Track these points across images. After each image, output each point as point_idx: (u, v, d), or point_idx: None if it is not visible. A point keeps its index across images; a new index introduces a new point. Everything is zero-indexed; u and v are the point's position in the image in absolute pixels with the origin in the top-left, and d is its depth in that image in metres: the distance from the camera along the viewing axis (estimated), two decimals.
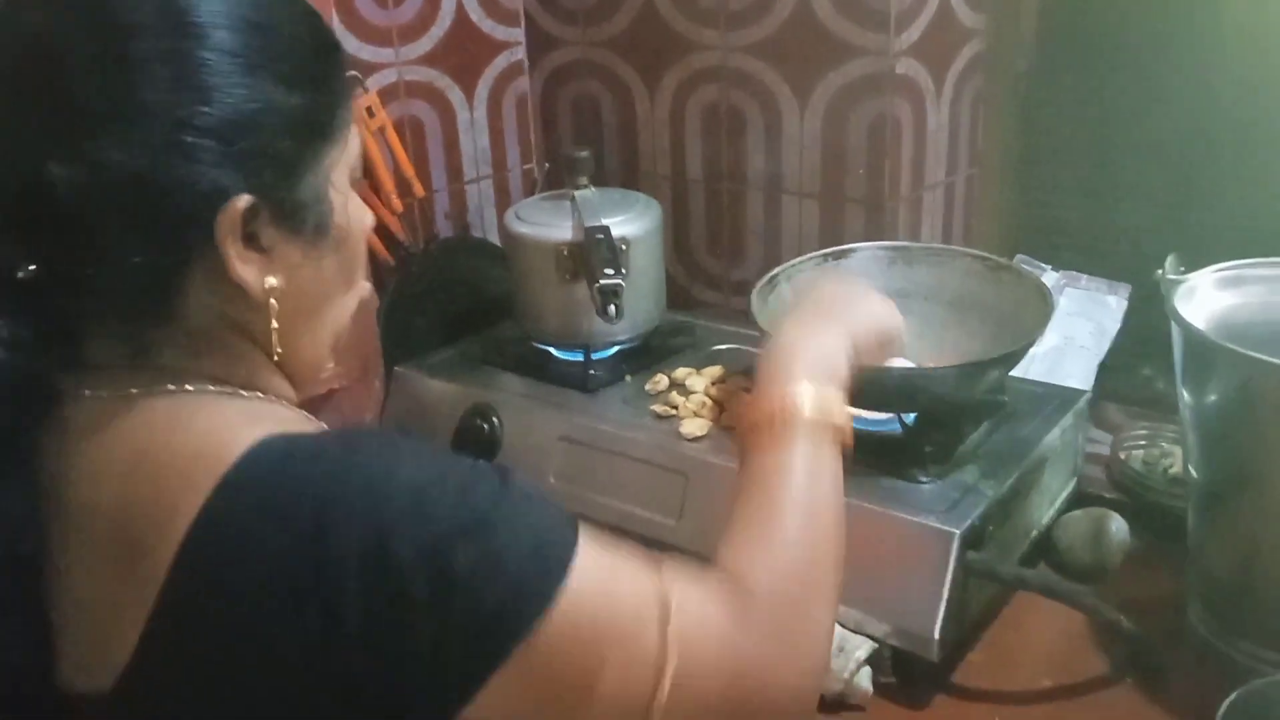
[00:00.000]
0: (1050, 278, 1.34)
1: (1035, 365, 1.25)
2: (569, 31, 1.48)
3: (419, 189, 1.37)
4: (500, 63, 1.49)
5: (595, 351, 1.21)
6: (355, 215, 0.65)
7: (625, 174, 1.48)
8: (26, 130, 0.52)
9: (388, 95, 1.35)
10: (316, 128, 0.59)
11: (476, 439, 1.14)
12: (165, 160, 0.53)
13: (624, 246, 1.15)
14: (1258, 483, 0.90)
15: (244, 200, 0.55)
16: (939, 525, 0.88)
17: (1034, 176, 1.45)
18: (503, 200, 1.52)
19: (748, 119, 1.35)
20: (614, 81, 1.46)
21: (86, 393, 0.57)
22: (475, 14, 1.44)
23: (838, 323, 0.79)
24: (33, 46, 0.53)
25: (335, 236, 0.62)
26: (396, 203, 1.33)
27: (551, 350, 1.24)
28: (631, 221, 1.18)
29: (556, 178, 1.31)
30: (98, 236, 0.53)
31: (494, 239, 1.48)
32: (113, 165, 0.52)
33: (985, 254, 1.12)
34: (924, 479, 0.94)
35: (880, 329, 0.83)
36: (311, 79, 0.59)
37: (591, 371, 1.19)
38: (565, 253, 1.16)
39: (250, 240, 0.56)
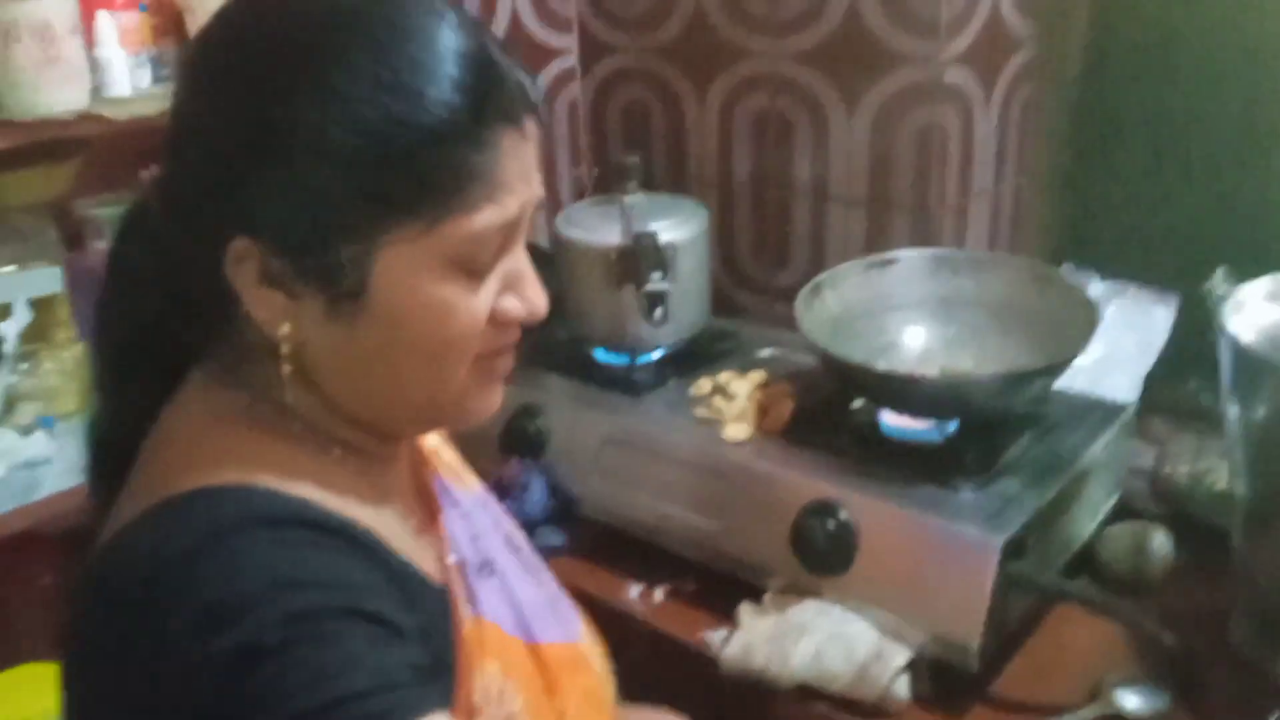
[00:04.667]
0: (1097, 288, 1.33)
1: (1080, 376, 1.24)
2: (620, 38, 1.50)
3: None
4: (553, 69, 1.51)
5: (641, 355, 1.23)
6: (433, 303, 0.58)
7: (673, 179, 1.50)
8: None
9: None
10: (373, 194, 0.55)
11: (523, 438, 1.17)
12: (190, 187, 0.58)
13: (671, 251, 1.17)
14: None
15: (241, 242, 0.56)
16: (981, 534, 0.88)
17: (1082, 185, 1.44)
18: (552, 204, 1.54)
19: (796, 126, 1.36)
20: (664, 88, 1.48)
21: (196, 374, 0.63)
22: (530, 21, 1.46)
23: None
24: None
25: (376, 311, 0.57)
26: None
27: (598, 353, 1.26)
28: (678, 227, 1.20)
29: (605, 182, 1.32)
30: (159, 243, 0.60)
31: (544, 242, 1.50)
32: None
33: (1031, 262, 1.12)
34: (965, 488, 0.95)
35: None
36: (388, 135, 0.54)
37: (636, 375, 1.20)
38: (613, 257, 1.18)
39: (271, 280, 0.57)
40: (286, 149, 0.54)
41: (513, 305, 0.62)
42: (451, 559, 0.70)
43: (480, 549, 0.73)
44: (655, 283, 1.11)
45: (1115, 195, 1.42)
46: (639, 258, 1.14)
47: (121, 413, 0.64)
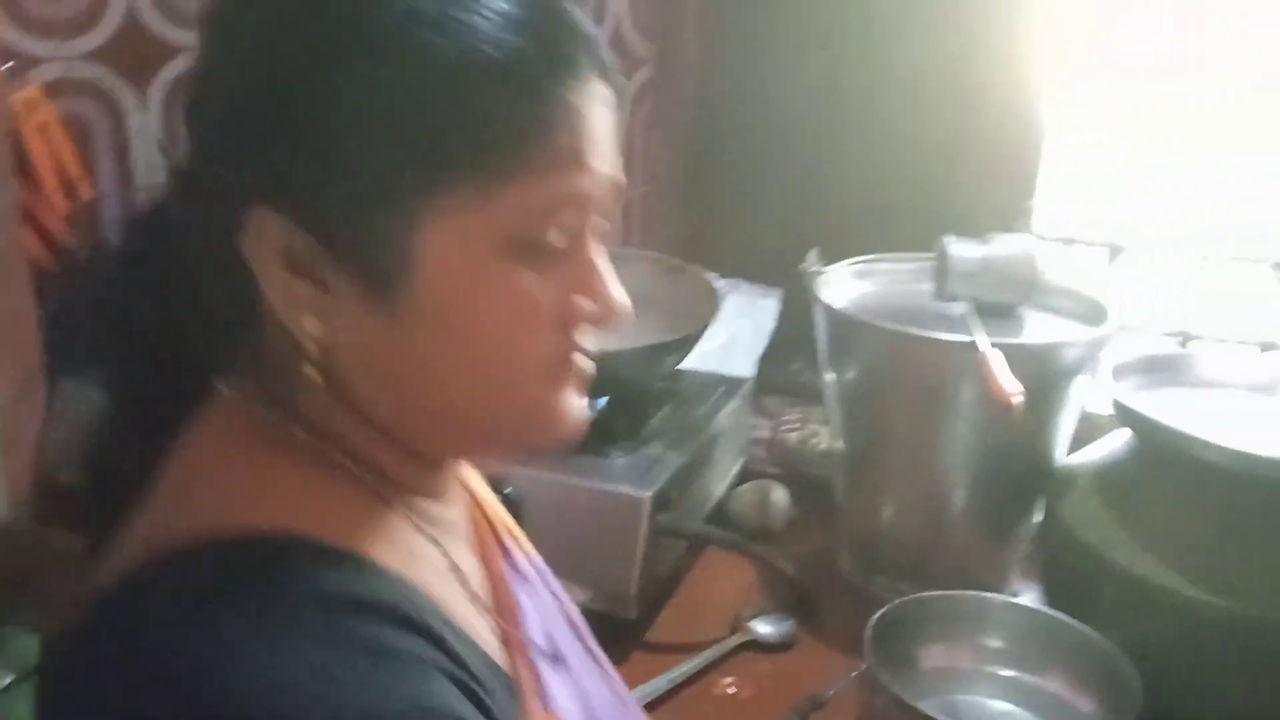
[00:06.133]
0: (717, 283, 1.50)
1: (707, 359, 1.38)
2: None
3: (87, 191, 1.29)
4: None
5: None
6: (490, 289, 0.47)
7: None
8: None
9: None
10: (412, 148, 0.44)
11: None
12: (207, 153, 0.48)
13: None
14: (887, 442, 1.07)
15: (261, 211, 0.45)
16: (632, 491, 0.96)
17: (699, 195, 1.61)
18: None
19: None
20: None
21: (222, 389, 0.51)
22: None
23: None
24: None
25: (420, 298, 0.46)
26: (62, 204, 1.24)
27: None
28: None
29: None
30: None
31: None
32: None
33: (662, 257, 1.24)
34: (616, 454, 1.03)
35: None
36: (430, 76, 0.44)
37: None
38: None
39: (298, 267, 0.46)
40: (308, 95, 0.44)
41: (585, 305, 0.50)
42: (522, 639, 0.57)
43: (547, 634, 0.60)
44: None
45: (726, 205, 1.60)
46: None
47: (128, 436, 0.52)
